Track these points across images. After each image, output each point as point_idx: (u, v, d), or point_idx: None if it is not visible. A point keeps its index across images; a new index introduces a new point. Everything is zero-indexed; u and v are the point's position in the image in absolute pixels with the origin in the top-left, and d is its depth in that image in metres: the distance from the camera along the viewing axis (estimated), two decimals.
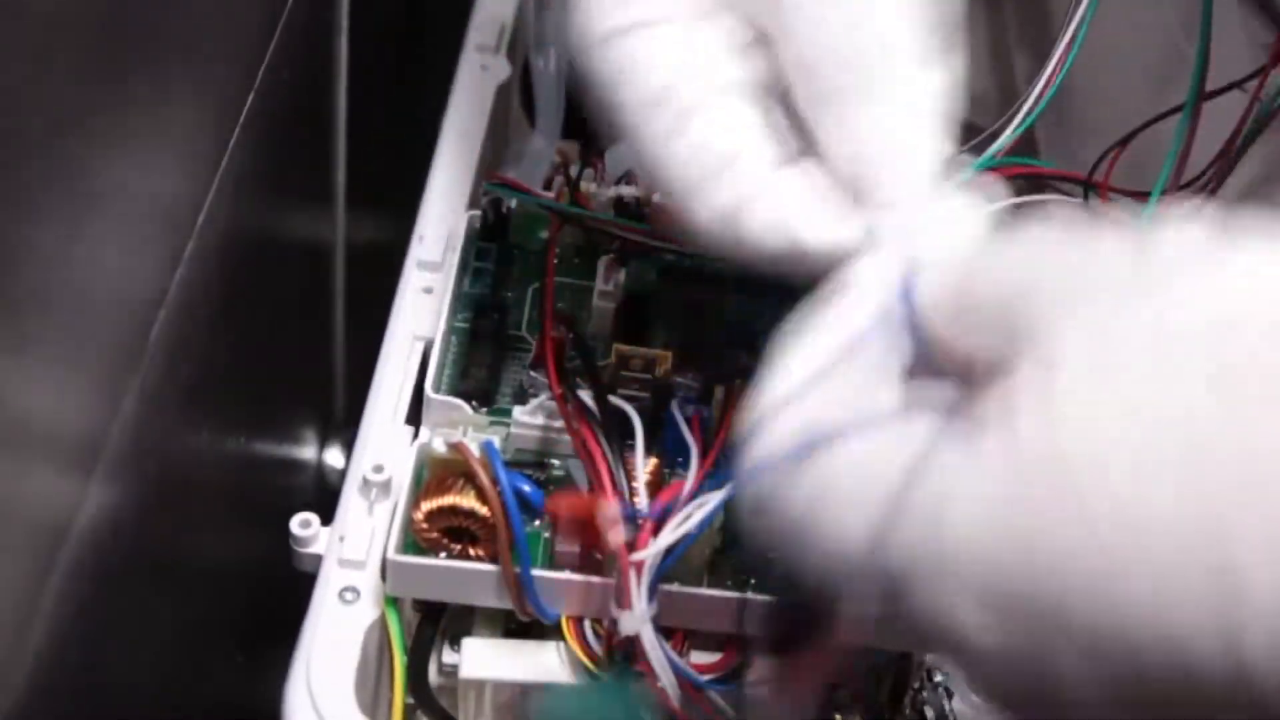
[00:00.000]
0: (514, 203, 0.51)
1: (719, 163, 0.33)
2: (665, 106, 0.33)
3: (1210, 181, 0.46)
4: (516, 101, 0.62)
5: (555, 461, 0.45)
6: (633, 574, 0.40)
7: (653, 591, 0.40)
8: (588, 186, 0.52)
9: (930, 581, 0.26)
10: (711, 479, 0.43)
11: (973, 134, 0.59)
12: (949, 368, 0.29)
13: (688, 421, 0.44)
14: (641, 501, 0.41)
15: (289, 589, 0.47)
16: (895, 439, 0.28)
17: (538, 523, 0.44)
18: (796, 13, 0.33)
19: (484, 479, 0.41)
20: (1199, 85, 0.45)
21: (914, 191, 0.32)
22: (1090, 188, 0.49)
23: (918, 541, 0.26)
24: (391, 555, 0.42)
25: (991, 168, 0.49)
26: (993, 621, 0.25)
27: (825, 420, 0.29)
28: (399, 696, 0.43)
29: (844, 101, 0.33)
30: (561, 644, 0.43)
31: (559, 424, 0.43)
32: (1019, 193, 0.50)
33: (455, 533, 0.42)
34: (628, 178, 0.53)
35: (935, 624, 0.26)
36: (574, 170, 0.53)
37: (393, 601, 0.44)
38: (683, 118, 0.33)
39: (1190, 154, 0.46)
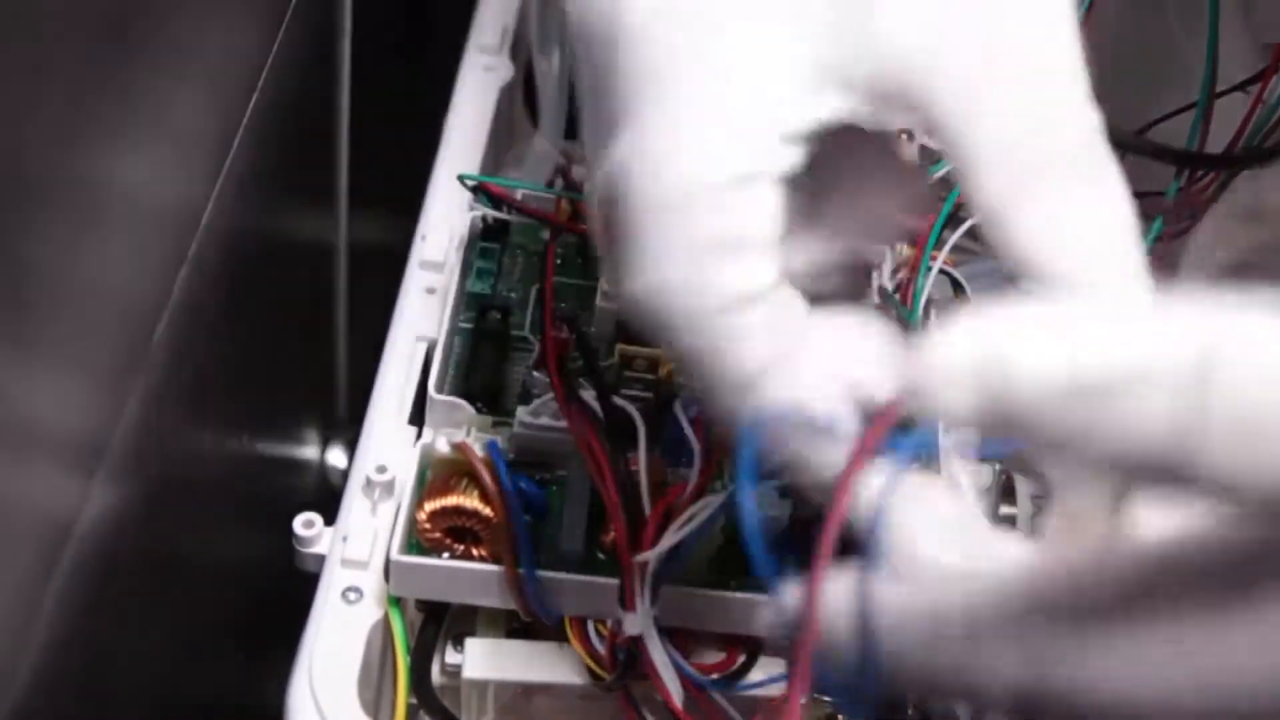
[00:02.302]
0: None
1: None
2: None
3: (1212, 184, 0.46)
4: (519, 102, 0.62)
5: (558, 462, 0.45)
6: (636, 574, 0.40)
7: (656, 592, 0.40)
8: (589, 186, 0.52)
9: None
10: (714, 478, 0.43)
11: None
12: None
13: (691, 422, 0.44)
14: (645, 502, 0.41)
15: (292, 589, 0.47)
16: None
17: (541, 522, 0.44)
18: (976, 101, 0.28)
19: (487, 479, 0.41)
20: (1210, 82, 0.45)
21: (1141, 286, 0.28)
22: None
23: None
24: (395, 555, 0.42)
25: None
26: None
27: None
28: (402, 697, 0.44)
29: (1045, 192, 0.28)
30: (564, 644, 0.43)
31: (562, 424, 0.43)
32: None
33: (458, 533, 0.42)
34: None
35: None
36: (577, 171, 0.53)
37: (396, 601, 0.44)
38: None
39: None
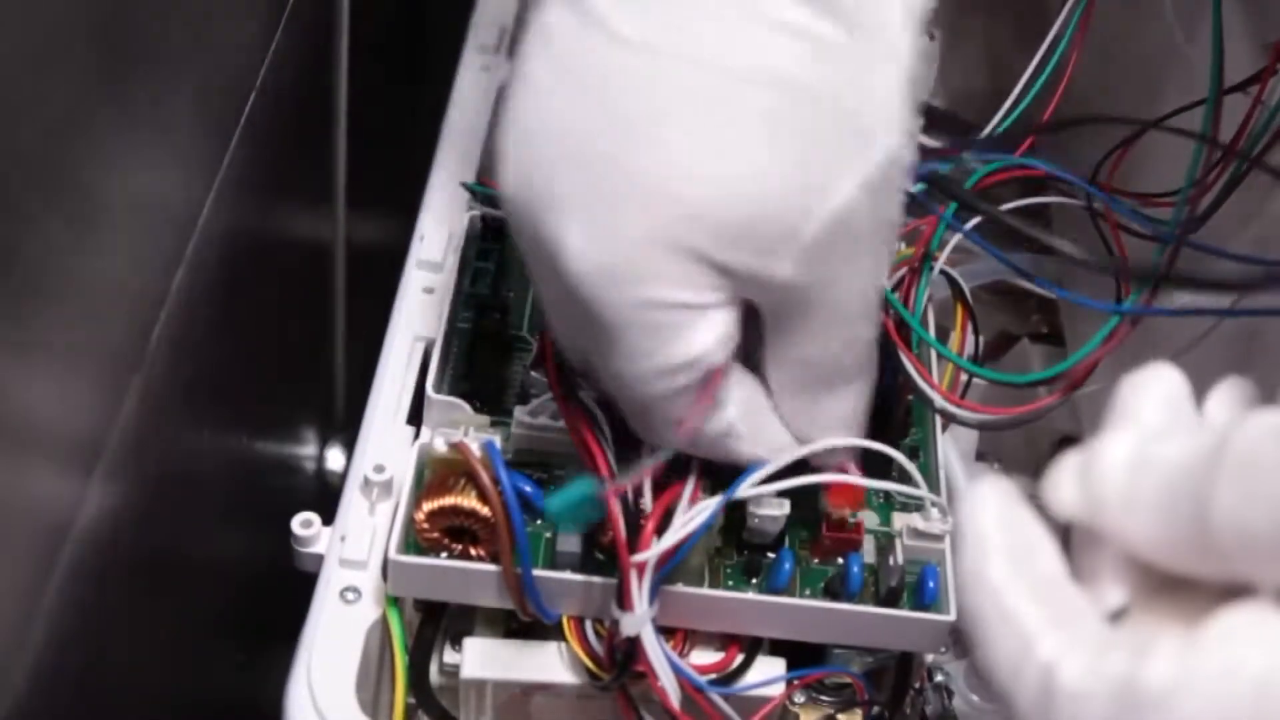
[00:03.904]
0: None
1: None
2: None
3: (1213, 184, 0.46)
4: None
5: (556, 461, 0.45)
6: (634, 575, 0.40)
7: (654, 592, 0.40)
8: None
9: None
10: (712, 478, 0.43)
11: (961, 127, 0.59)
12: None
13: None
14: (644, 502, 0.41)
15: (290, 589, 0.47)
16: None
17: (539, 522, 0.44)
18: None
19: (485, 479, 0.41)
20: (1218, 79, 0.45)
21: None
22: (1093, 189, 0.48)
23: None
24: (393, 555, 0.42)
25: (996, 170, 0.49)
26: None
27: None
28: (400, 696, 0.43)
29: None
30: (563, 644, 0.43)
31: (560, 424, 0.43)
32: (1021, 194, 0.50)
33: (456, 532, 0.42)
34: None
35: None
36: None
37: (394, 601, 0.44)
38: None
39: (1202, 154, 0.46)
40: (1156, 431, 0.28)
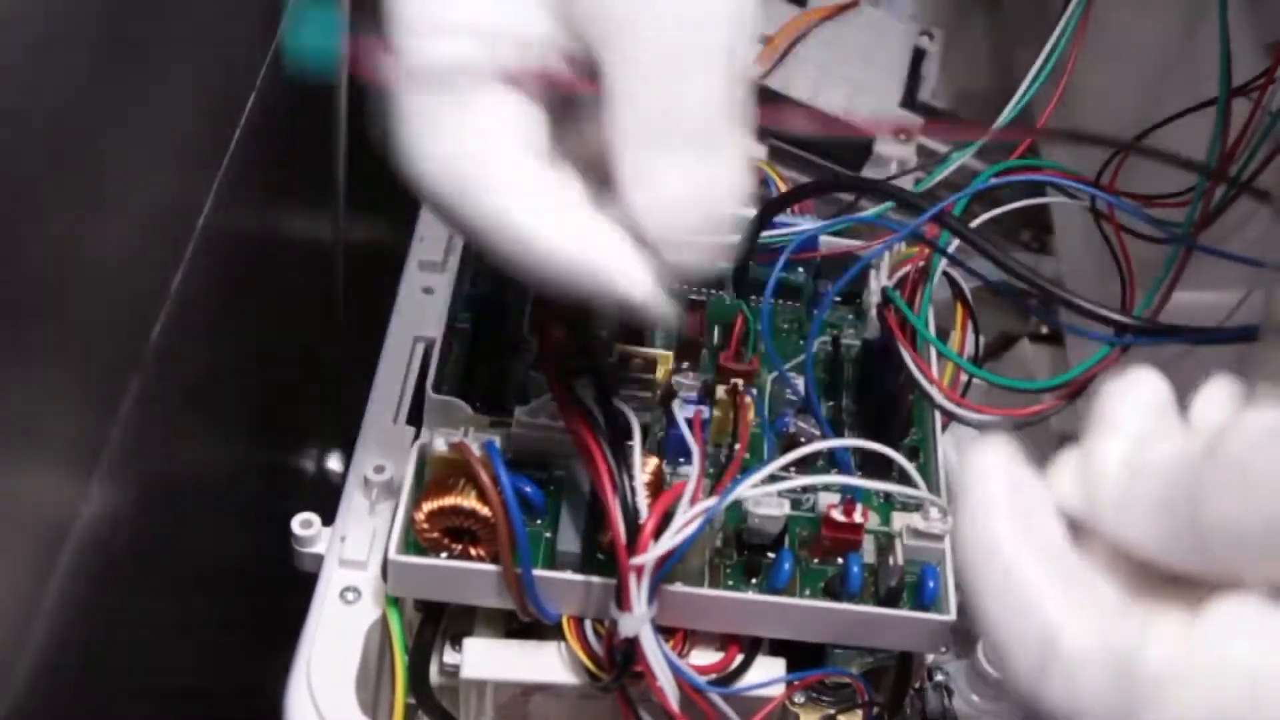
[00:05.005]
0: None
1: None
2: None
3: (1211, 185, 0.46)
4: None
5: (556, 462, 0.45)
6: (633, 575, 0.40)
7: (653, 593, 0.40)
8: None
9: None
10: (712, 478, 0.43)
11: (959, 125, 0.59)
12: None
13: (688, 422, 0.44)
14: (642, 503, 0.41)
15: (290, 589, 0.47)
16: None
17: (539, 522, 0.44)
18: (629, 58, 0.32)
19: (485, 479, 0.41)
20: (1226, 78, 0.45)
21: None
22: (1099, 192, 0.48)
23: None
24: (393, 555, 0.42)
25: (1000, 171, 0.49)
26: None
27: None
28: (400, 696, 0.43)
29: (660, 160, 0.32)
30: (562, 644, 0.43)
31: (560, 424, 0.43)
32: (1023, 195, 0.50)
33: (456, 533, 0.42)
34: None
35: None
36: None
37: (394, 601, 0.44)
38: None
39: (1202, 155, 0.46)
40: (1142, 436, 0.28)
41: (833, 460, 0.46)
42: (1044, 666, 0.26)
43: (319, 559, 0.46)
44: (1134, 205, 0.48)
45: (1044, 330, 0.66)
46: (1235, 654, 0.25)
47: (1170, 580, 0.27)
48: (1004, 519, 0.28)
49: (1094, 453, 0.28)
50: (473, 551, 0.42)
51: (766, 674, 0.44)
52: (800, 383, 0.48)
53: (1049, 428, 0.48)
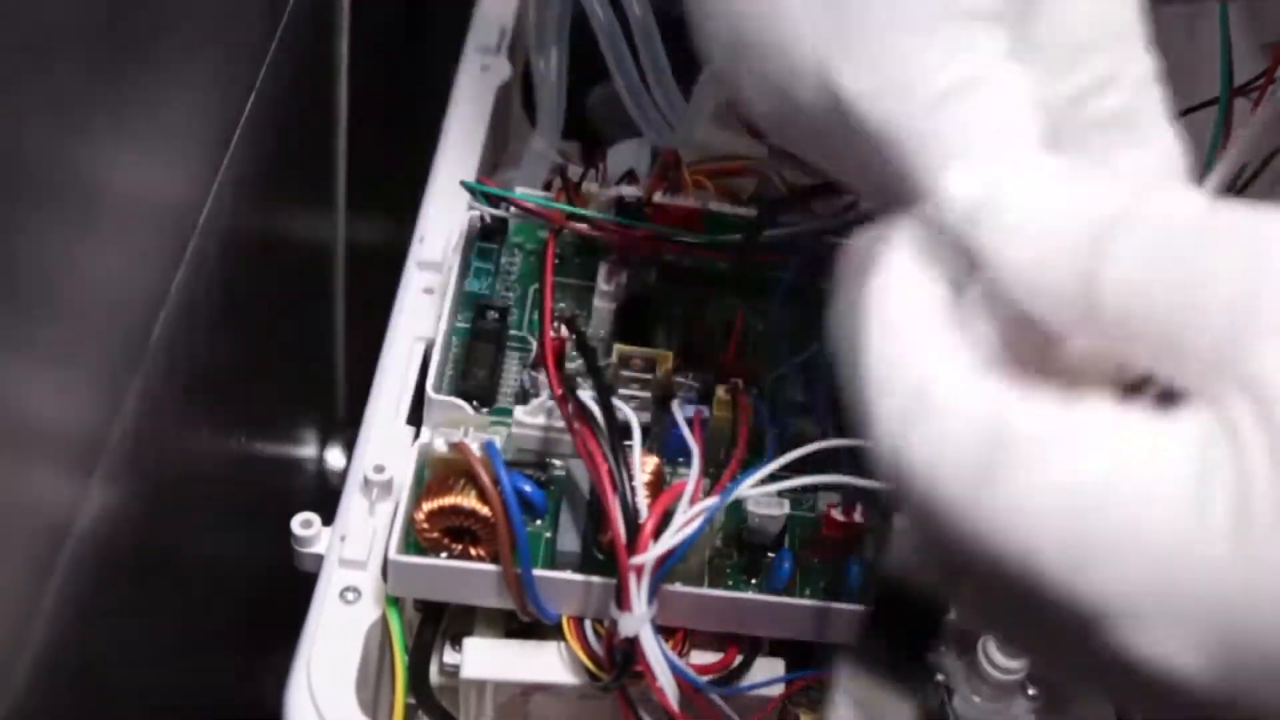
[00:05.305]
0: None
1: None
2: None
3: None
4: (517, 102, 0.62)
5: (556, 461, 0.45)
6: (632, 576, 0.40)
7: (653, 593, 0.40)
8: (589, 187, 0.52)
9: (1152, 620, 0.22)
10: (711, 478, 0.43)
11: None
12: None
13: (688, 421, 0.44)
14: (642, 503, 0.41)
15: (290, 589, 0.47)
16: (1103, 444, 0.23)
17: (539, 522, 0.44)
18: None
19: (485, 479, 0.41)
20: (1227, 78, 0.45)
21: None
22: None
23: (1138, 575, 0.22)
24: (393, 555, 0.42)
25: None
26: (1220, 667, 0.22)
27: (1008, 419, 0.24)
28: (400, 696, 0.43)
29: None
30: (562, 644, 0.43)
31: (560, 424, 0.43)
32: None
33: (456, 533, 0.42)
34: (629, 178, 0.53)
35: (1141, 663, 0.23)
36: (575, 171, 0.53)
37: (394, 601, 0.44)
38: None
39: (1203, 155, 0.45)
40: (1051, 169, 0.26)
41: (833, 460, 0.46)
42: (910, 419, 0.24)
43: (319, 559, 0.46)
44: None
45: None
46: (1104, 436, 0.23)
47: (1060, 354, 0.25)
48: (896, 284, 0.26)
49: (1012, 181, 0.25)
50: (473, 551, 0.42)
51: (766, 674, 0.44)
52: (800, 382, 0.48)
53: None
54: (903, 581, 0.35)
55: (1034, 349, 0.25)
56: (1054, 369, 0.25)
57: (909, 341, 0.25)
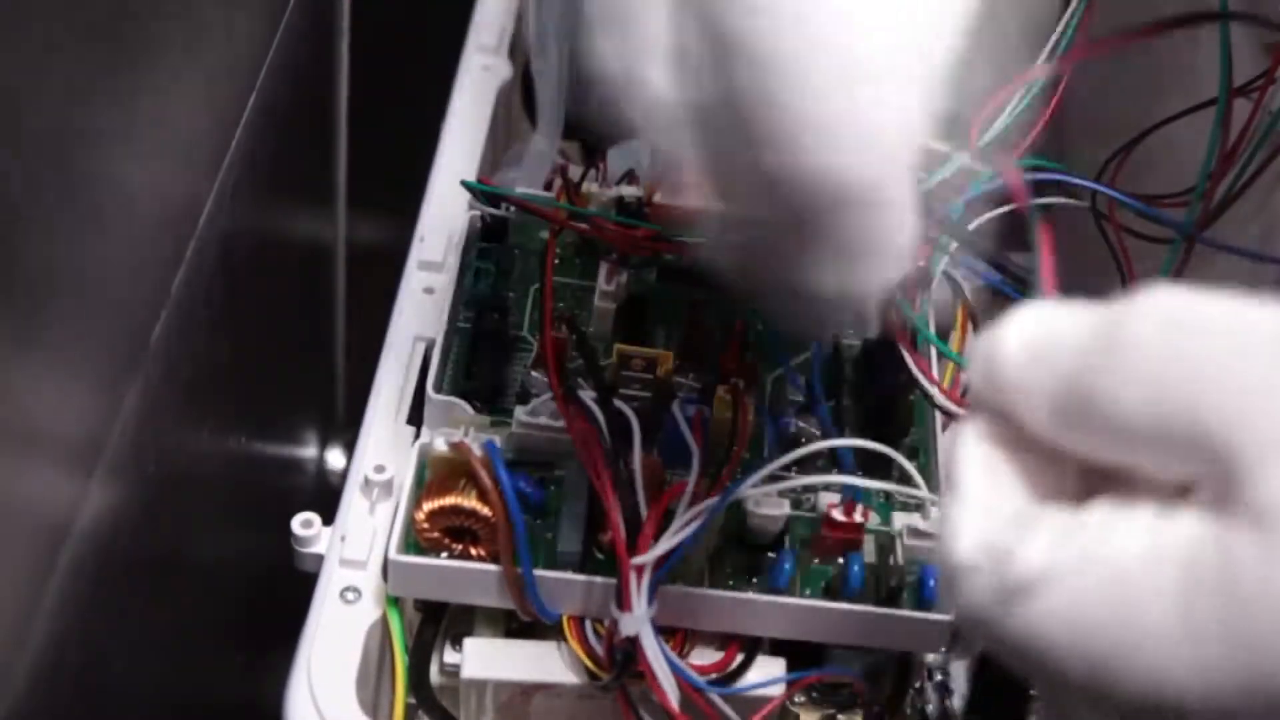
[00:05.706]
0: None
1: None
2: None
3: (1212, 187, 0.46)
4: (517, 102, 0.62)
5: (556, 461, 0.45)
6: (632, 576, 0.40)
7: (653, 593, 0.40)
8: (589, 187, 0.52)
9: None
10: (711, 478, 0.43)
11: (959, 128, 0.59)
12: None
13: (689, 422, 0.44)
14: (642, 503, 0.41)
15: (290, 589, 0.47)
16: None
17: (539, 522, 0.44)
18: None
19: (485, 479, 0.41)
20: (1227, 78, 0.45)
21: None
22: (1104, 189, 0.48)
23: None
24: (393, 555, 0.42)
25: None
26: None
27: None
28: (400, 696, 0.43)
29: None
30: (562, 644, 0.43)
31: (560, 424, 0.43)
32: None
33: (457, 532, 0.42)
34: (629, 178, 0.53)
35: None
36: (575, 171, 0.53)
37: (394, 601, 0.44)
38: None
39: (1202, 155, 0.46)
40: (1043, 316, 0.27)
41: (833, 460, 0.46)
42: (951, 579, 0.26)
43: (319, 559, 0.46)
44: (1139, 202, 0.48)
45: None
46: (1100, 553, 0.24)
47: (1082, 473, 0.26)
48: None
49: (1003, 331, 0.27)
50: (473, 551, 0.42)
51: (766, 674, 0.44)
52: (800, 382, 0.48)
53: None
54: None
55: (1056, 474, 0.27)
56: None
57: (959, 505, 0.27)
